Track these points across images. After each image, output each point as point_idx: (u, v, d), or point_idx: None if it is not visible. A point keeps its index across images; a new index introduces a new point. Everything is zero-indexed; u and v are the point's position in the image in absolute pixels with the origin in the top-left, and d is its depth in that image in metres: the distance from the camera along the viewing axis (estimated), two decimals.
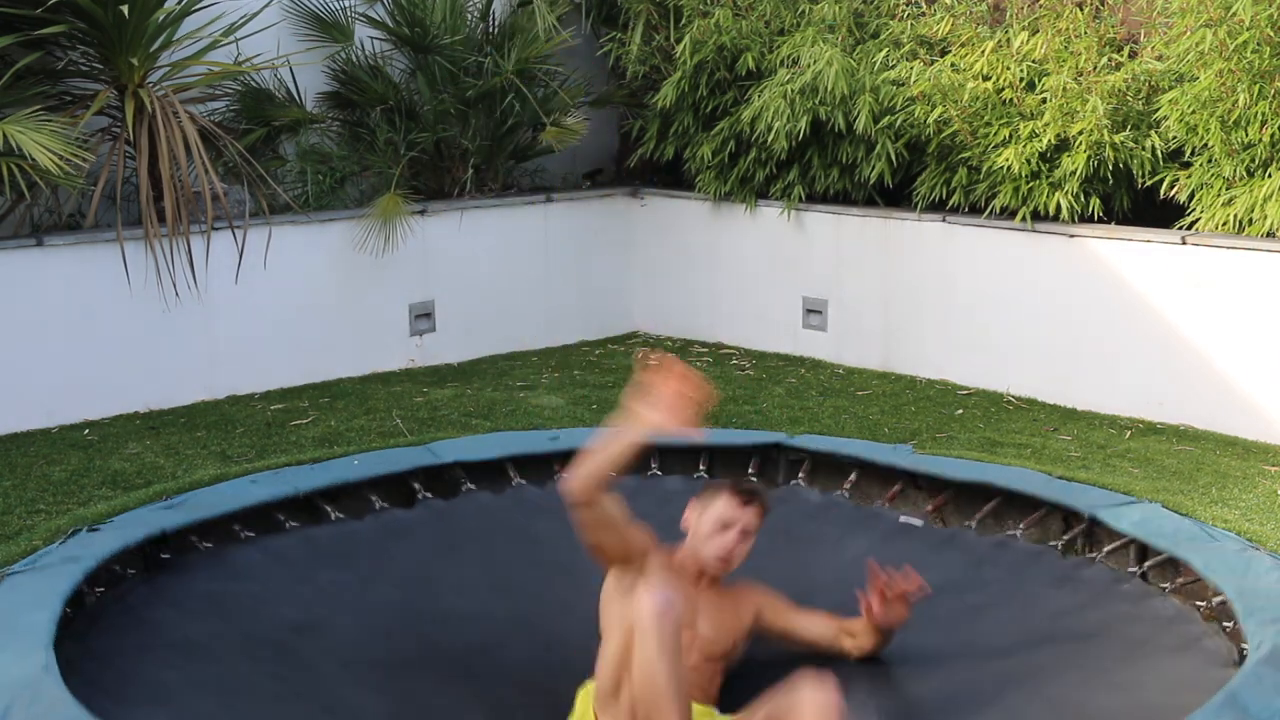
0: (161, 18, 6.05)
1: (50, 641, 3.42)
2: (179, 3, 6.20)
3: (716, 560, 3.52)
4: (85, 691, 3.36)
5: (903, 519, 4.61)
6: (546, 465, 5.00)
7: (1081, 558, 4.30)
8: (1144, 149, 5.90)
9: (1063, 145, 6.03)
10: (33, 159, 5.42)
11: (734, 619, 3.61)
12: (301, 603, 4.13)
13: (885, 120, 6.48)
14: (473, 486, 4.88)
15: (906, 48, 6.56)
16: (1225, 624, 3.73)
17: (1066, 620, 3.93)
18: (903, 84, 6.39)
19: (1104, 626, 3.86)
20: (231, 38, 6.41)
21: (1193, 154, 5.78)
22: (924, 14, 6.62)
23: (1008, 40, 6.21)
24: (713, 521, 3.54)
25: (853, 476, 4.86)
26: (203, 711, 3.45)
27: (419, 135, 7.05)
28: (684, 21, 7.30)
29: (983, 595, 4.18)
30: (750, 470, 5.00)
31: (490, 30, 7.48)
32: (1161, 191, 5.94)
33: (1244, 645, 3.51)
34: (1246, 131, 5.50)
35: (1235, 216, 5.60)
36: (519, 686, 3.77)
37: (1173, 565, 4.07)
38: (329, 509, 4.61)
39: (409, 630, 4.05)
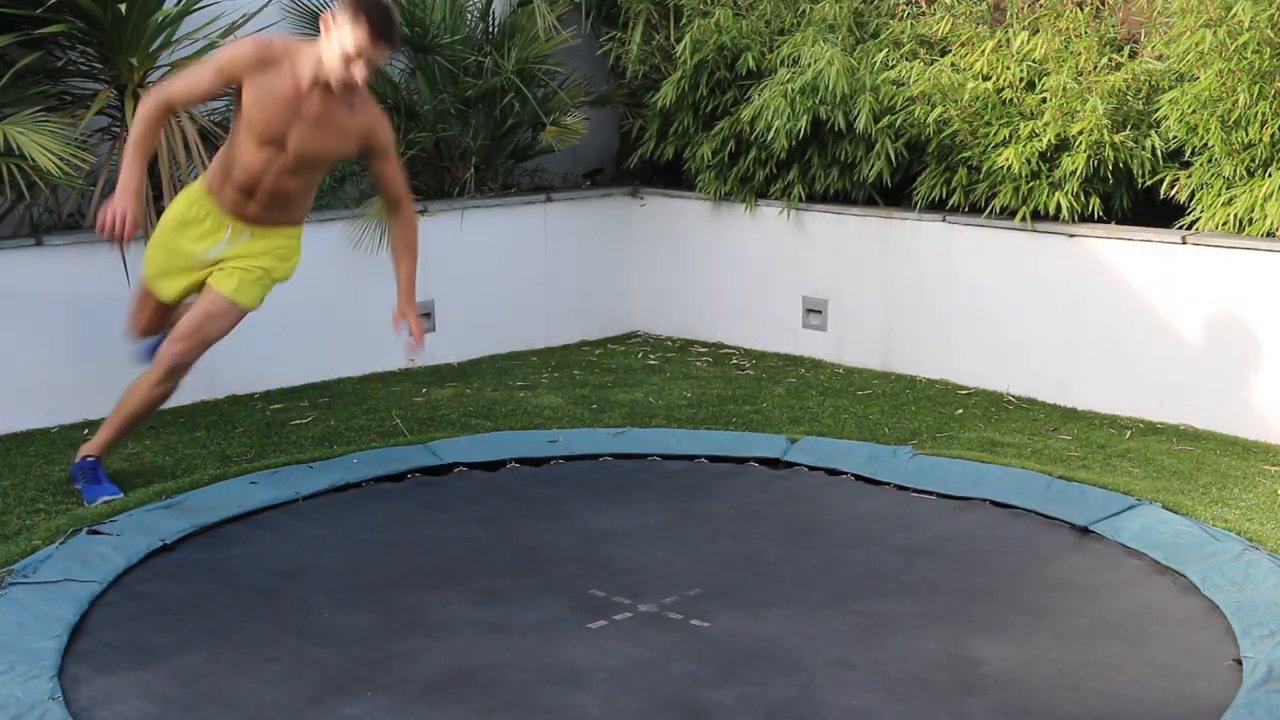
0: (161, 18, 6.05)
1: (56, 672, 3.45)
2: (179, 3, 6.19)
3: (339, 82, 4.19)
4: (69, 661, 3.51)
5: None
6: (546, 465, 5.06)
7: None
8: (1144, 149, 5.89)
9: (1063, 145, 6.03)
10: (33, 159, 5.42)
11: (338, 135, 4.36)
12: (286, 554, 4.36)
13: (885, 120, 6.48)
14: None
15: (906, 47, 6.55)
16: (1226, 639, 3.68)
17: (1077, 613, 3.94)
18: (903, 84, 6.39)
19: (1105, 622, 3.87)
20: (231, 37, 6.41)
21: (1193, 154, 5.78)
22: (924, 14, 6.62)
23: (1008, 40, 6.21)
24: (344, 47, 4.10)
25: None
26: (189, 666, 3.55)
27: (419, 135, 7.04)
28: (684, 21, 7.29)
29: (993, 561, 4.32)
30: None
31: (490, 30, 7.47)
32: (1161, 191, 5.94)
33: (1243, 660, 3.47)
34: (1247, 131, 5.50)
35: (1235, 216, 5.60)
36: (503, 580, 4.14)
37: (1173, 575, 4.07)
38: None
39: (393, 555, 4.34)
